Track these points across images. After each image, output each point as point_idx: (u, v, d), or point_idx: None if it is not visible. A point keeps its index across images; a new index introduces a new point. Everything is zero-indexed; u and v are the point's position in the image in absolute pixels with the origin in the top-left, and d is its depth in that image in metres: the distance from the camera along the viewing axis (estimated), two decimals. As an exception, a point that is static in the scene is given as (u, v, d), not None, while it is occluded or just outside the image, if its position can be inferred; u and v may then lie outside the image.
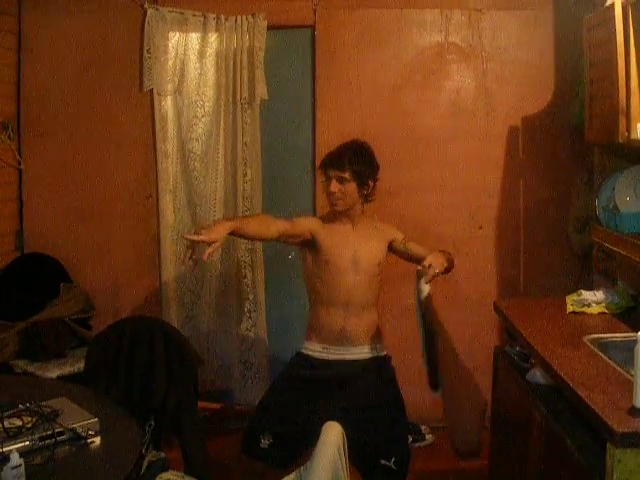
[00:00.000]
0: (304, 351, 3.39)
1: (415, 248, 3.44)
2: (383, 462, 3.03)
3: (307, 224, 3.38)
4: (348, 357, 3.33)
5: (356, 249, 3.34)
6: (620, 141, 3.02)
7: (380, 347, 3.43)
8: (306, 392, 3.22)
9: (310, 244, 3.36)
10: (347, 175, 3.26)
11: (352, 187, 3.28)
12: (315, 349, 3.37)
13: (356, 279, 3.33)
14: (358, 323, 3.35)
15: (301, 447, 3.14)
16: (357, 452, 2.94)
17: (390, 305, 4.50)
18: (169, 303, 4.60)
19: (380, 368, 3.38)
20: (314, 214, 4.38)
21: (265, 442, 3.15)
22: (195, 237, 2.86)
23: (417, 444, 4.38)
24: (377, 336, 3.43)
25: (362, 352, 3.36)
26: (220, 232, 2.90)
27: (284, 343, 4.65)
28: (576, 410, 2.32)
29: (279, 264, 4.62)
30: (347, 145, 3.36)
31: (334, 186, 3.26)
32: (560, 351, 2.66)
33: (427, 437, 4.43)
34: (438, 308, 4.49)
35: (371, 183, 3.36)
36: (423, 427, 4.47)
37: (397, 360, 4.48)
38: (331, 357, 3.34)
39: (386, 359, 3.44)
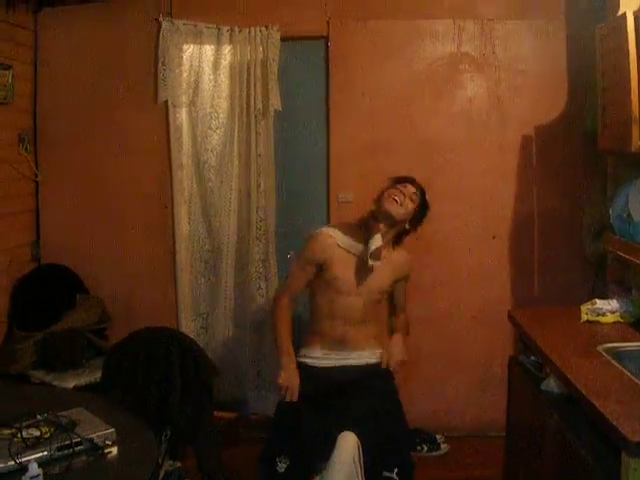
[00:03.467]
0: (303, 360, 3.41)
1: (398, 294, 3.70)
2: (386, 474, 2.97)
3: (314, 257, 3.45)
4: (348, 362, 3.37)
5: (363, 275, 3.41)
6: (633, 150, 3.02)
7: (378, 352, 3.46)
8: (312, 407, 3.15)
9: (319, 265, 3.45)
10: (417, 199, 3.41)
11: (412, 209, 3.40)
12: (314, 355, 3.42)
13: (357, 300, 3.40)
14: (358, 333, 3.42)
15: (316, 463, 3.08)
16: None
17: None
18: (185, 313, 4.63)
19: (381, 376, 3.37)
20: (327, 222, 4.41)
21: (282, 465, 3.03)
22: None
23: (432, 453, 4.38)
24: (378, 344, 3.48)
25: (362, 357, 3.40)
26: (293, 375, 3.26)
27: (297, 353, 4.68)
28: (591, 419, 2.32)
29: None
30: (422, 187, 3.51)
31: (408, 190, 3.38)
32: (575, 360, 2.65)
33: (442, 446, 4.42)
34: (453, 318, 4.54)
35: (416, 223, 3.49)
36: (438, 436, 4.46)
37: (409, 369, 4.51)
38: (331, 364, 3.38)
39: (386, 369, 3.42)
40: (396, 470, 3.00)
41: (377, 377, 3.35)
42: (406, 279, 3.68)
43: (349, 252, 3.42)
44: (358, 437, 2.89)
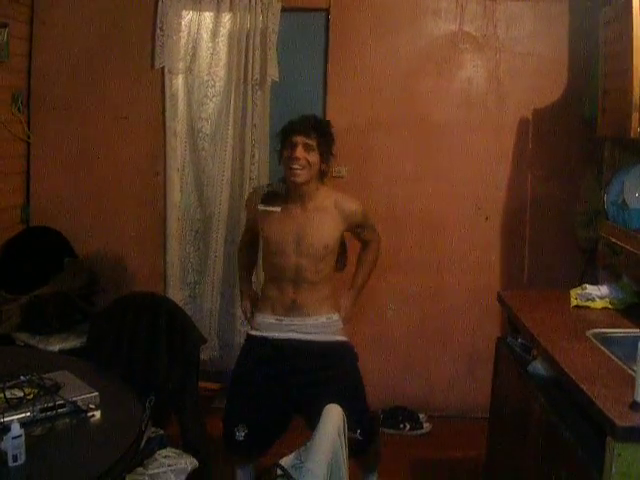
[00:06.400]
0: (255, 332, 3.27)
1: (361, 236, 3.42)
2: (350, 434, 3.00)
3: (248, 214, 3.44)
4: (303, 337, 3.17)
5: (300, 231, 3.14)
6: (632, 136, 3.01)
7: (336, 319, 3.25)
8: (267, 374, 3.15)
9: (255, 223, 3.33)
10: (314, 143, 3.08)
11: (316, 157, 3.10)
12: (267, 321, 3.23)
13: (300, 261, 3.14)
14: (309, 296, 3.18)
15: (276, 431, 3.19)
16: None
17: (392, 293, 4.52)
18: (173, 282, 4.61)
19: (340, 354, 3.22)
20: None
21: (240, 434, 3.11)
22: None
23: (414, 432, 4.39)
24: (332, 307, 3.25)
25: (317, 323, 3.18)
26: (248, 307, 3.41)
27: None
28: (576, 403, 2.32)
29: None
30: (312, 116, 3.22)
31: (300, 152, 3.05)
32: (563, 344, 2.65)
33: (425, 426, 4.44)
34: (442, 298, 4.54)
35: (331, 159, 3.19)
36: (421, 415, 4.49)
37: (398, 348, 4.53)
38: (283, 335, 3.18)
39: (347, 344, 3.26)
40: (359, 431, 3.04)
41: (339, 359, 3.20)
42: (362, 226, 3.34)
43: (275, 211, 3.18)
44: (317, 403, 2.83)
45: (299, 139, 3.08)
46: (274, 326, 3.21)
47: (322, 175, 3.19)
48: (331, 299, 3.28)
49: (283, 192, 3.21)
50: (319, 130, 3.13)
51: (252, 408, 3.15)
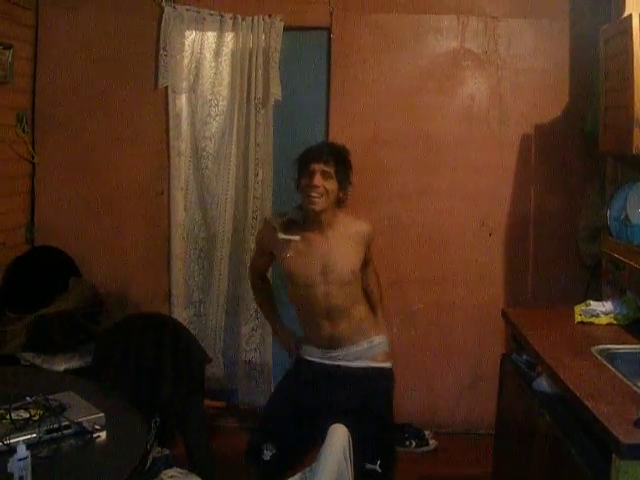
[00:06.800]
0: (305, 356, 3.27)
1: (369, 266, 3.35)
2: (369, 466, 2.98)
3: (262, 247, 3.33)
4: (350, 364, 3.17)
5: (325, 260, 3.11)
6: (634, 152, 3.02)
7: (378, 341, 3.23)
8: (305, 399, 3.14)
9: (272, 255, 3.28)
10: (332, 171, 3.04)
11: (334, 185, 3.05)
12: (315, 353, 3.23)
13: (329, 289, 3.11)
14: (346, 326, 3.16)
15: (301, 456, 3.12)
16: None
17: (396, 310, 4.51)
18: (178, 300, 4.61)
19: (375, 382, 3.20)
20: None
21: (267, 453, 3.07)
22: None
23: (420, 449, 4.38)
24: (372, 329, 3.23)
25: (360, 349, 3.17)
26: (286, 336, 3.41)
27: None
28: (581, 420, 2.32)
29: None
30: (329, 143, 3.22)
31: (318, 180, 3.01)
32: (567, 361, 2.65)
33: (430, 442, 4.42)
34: (446, 313, 4.54)
35: (349, 187, 3.15)
36: (427, 432, 4.47)
37: (402, 365, 4.51)
38: (332, 362, 3.19)
39: (384, 371, 3.24)
40: (379, 462, 3.00)
41: (373, 388, 3.18)
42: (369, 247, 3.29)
43: (295, 240, 3.13)
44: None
45: (317, 167, 3.03)
46: (322, 357, 3.22)
47: (339, 202, 3.14)
48: (367, 321, 3.24)
49: (301, 220, 3.16)
50: (337, 157, 3.09)
51: (285, 429, 3.11)
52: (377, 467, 2.99)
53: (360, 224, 3.23)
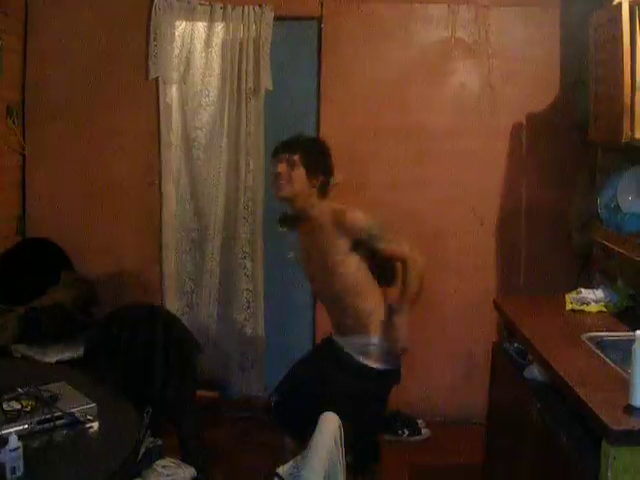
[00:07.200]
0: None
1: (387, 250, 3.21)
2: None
3: None
4: (349, 352, 3.17)
5: (308, 250, 3.22)
6: (624, 141, 3.02)
7: (374, 342, 3.16)
8: (312, 370, 3.27)
9: None
10: (297, 159, 3.08)
11: (300, 173, 3.08)
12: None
13: (317, 279, 3.24)
14: (340, 316, 3.22)
15: (293, 417, 3.19)
16: None
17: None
18: (170, 291, 4.62)
19: (361, 376, 3.19)
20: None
21: (273, 399, 3.27)
22: None
23: (412, 438, 4.39)
24: (370, 324, 3.17)
25: (356, 342, 3.16)
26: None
27: (282, 335, 4.68)
28: (572, 407, 2.33)
29: (279, 256, 4.61)
30: (302, 134, 3.25)
31: (281, 167, 3.09)
32: (558, 349, 2.66)
33: (423, 431, 4.44)
34: (438, 303, 4.54)
35: (321, 175, 3.14)
36: (419, 421, 4.48)
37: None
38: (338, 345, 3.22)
39: (369, 371, 3.18)
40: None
41: (357, 376, 3.18)
42: (373, 239, 3.12)
43: (285, 232, 3.35)
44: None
45: (282, 156, 3.13)
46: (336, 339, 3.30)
47: (320, 191, 3.16)
48: (367, 317, 3.19)
49: (292, 214, 3.27)
50: (304, 146, 3.15)
51: (287, 384, 3.31)
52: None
53: (343, 214, 3.10)
